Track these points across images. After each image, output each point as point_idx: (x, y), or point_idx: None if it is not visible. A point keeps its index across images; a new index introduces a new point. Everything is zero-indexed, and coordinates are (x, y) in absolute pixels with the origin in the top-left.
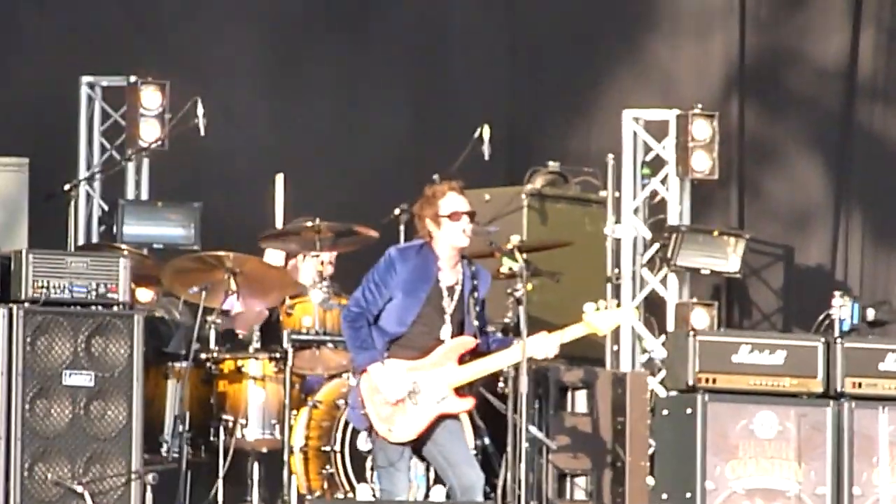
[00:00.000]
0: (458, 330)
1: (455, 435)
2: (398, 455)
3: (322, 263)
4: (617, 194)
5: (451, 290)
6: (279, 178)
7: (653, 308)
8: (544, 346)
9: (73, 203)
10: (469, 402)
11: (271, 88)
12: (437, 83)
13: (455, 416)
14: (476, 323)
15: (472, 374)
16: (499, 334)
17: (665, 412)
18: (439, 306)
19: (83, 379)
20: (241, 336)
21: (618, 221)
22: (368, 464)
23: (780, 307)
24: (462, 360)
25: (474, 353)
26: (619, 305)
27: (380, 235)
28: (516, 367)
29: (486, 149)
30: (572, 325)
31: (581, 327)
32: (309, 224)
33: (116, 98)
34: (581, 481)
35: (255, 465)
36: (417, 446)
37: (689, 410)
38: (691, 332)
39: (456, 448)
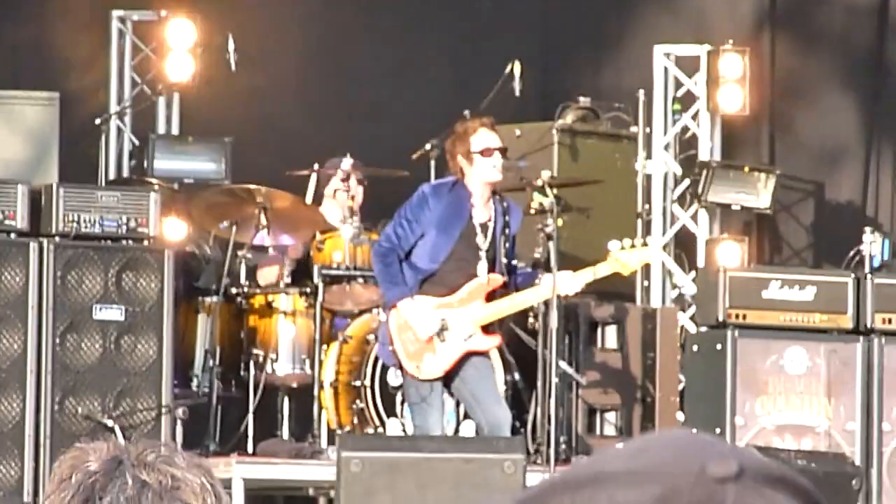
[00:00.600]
0: (490, 267)
1: (483, 373)
2: (429, 390)
3: (352, 198)
4: (648, 130)
5: (484, 226)
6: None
7: (683, 244)
8: (570, 283)
9: (103, 138)
10: (496, 340)
11: (303, 25)
12: (468, 21)
13: (484, 354)
14: (505, 260)
15: (498, 311)
16: (528, 269)
17: (695, 348)
18: (473, 243)
19: (114, 313)
20: (264, 285)
21: (648, 157)
22: (398, 399)
23: (810, 243)
24: (490, 297)
25: (502, 290)
26: (645, 244)
27: (411, 171)
28: (546, 303)
29: (517, 85)
30: (599, 264)
31: (607, 265)
32: (342, 167)
33: (147, 32)
34: (611, 417)
35: (286, 400)
36: (446, 383)
37: (718, 346)
38: (721, 269)
39: (484, 386)
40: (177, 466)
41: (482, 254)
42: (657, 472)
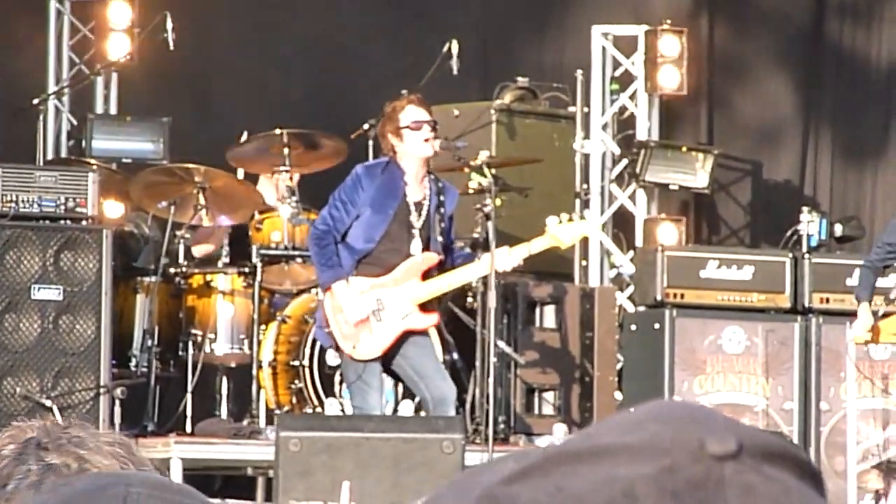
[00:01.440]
0: (424, 246)
1: (425, 349)
2: (366, 370)
3: (291, 178)
4: (586, 110)
5: (418, 205)
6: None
7: (621, 223)
8: (507, 259)
9: (41, 117)
10: (433, 318)
11: (240, 4)
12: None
13: (423, 332)
14: (441, 239)
15: (435, 289)
16: (466, 249)
17: (633, 327)
18: (407, 222)
19: (52, 293)
20: (198, 256)
21: (586, 137)
22: (337, 378)
23: (748, 223)
24: (426, 276)
25: (439, 269)
26: (582, 217)
27: (349, 152)
28: (485, 283)
29: (454, 64)
30: (536, 238)
31: (544, 240)
32: (277, 131)
33: (85, 12)
34: (549, 396)
35: (224, 380)
36: (386, 362)
37: (657, 325)
38: (659, 248)
39: (426, 361)
40: (87, 448)
41: (416, 232)
42: (655, 446)
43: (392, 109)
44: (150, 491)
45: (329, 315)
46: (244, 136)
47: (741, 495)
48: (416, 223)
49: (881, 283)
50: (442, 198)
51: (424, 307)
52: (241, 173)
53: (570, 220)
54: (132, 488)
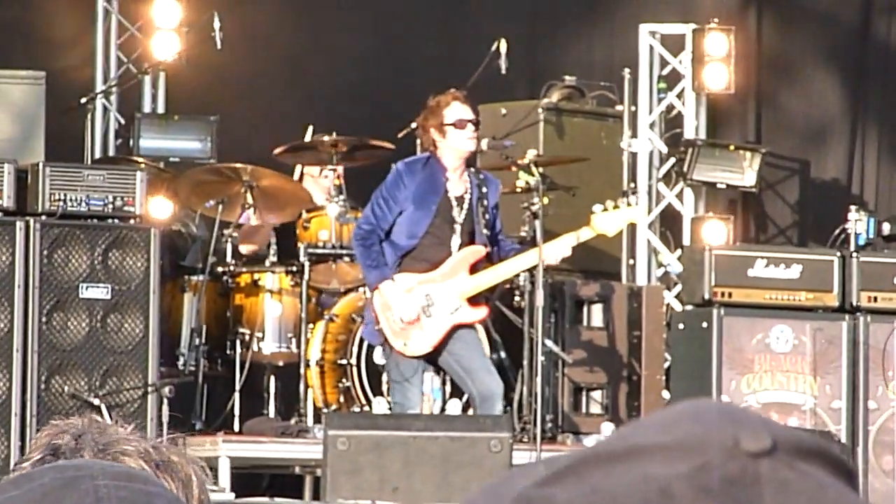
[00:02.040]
0: (469, 239)
1: (472, 344)
2: (412, 370)
3: (339, 177)
4: (633, 108)
5: (459, 199)
6: (309, 130)
7: (669, 222)
8: (555, 250)
9: (89, 116)
10: (483, 311)
11: (289, 2)
12: (452, 1)
13: (471, 326)
14: (486, 231)
15: (483, 282)
16: (517, 244)
17: (681, 326)
18: (449, 217)
19: (100, 292)
20: (245, 254)
21: (634, 136)
22: (384, 377)
23: (795, 221)
24: (474, 269)
25: (487, 261)
26: (629, 204)
27: (397, 149)
28: (532, 281)
29: (502, 63)
30: (582, 228)
31: (590, 229)
32: (326, 138)
33: (133, 11)
34: (597, 395)
35: (272, 379)
36: (434, 358)
37: (704, 324)
38: (707, 247)
39: (473, 356)
40: (118, 449)
41: (458, 227)
42: (690, 445)
43: (437, 105)
44: (116, 482)
45: (379, 313)
46: (309, 132)
47: (777, 492)
48: (459, 217)
49: None
50: (484, 189)
51: (473, 301)
52: (297, 173)
53: (616, 206)
54: (99, 481)
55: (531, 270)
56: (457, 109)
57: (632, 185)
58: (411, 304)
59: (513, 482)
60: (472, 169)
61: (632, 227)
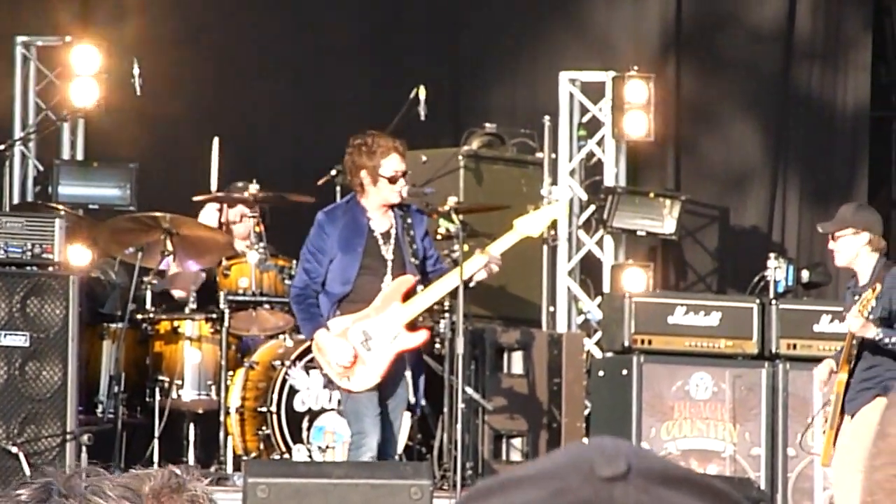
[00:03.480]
0: (400, 272)
1: (398, 408)
2: (364, 403)
3: (259, 224)
4: (553, 156)
5: (385, 235)
6: (215, 142)
7: (589, 270)
8: (481, 262)
9: (7, 163)
10: (423, 335)
11: (208, 52)
12: (378, 45)
13: (404, 388)
14: (415, 261)
15: (417, 308)
16: (445, 263)
17: (601, 373)
18: (378, 255)
19: (18, 339)
20: (177, 298)
21: (554, 183)
22: (304, 424)
23: (715, 268)
24: (406, 298)
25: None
26: (549, 203)
27: (316, 199)
28: (452, 329)
29: (422, 109)
30: (505, 234)
31: (513, 234)
32: (245, 194)
33: (52, 58)
34: (517, 442)
35: (191, 426)
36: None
37: (624, 371)
38: (627, 294)
39: (395, 419)
40: (105, 496)
41: (389, 263)
42: (551, 473)
43: (374, 150)
44: None
45: (319, 360)
46: (215, 144)
47: None
48: (387, 254)
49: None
50: (409, 221)
51: (411, 327)
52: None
53: (536, 208)
54: None
55: (452, 318)
56: (394, 162)
57: (552, 232)
58: (343, 348)
59: None
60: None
61: (552, 274)
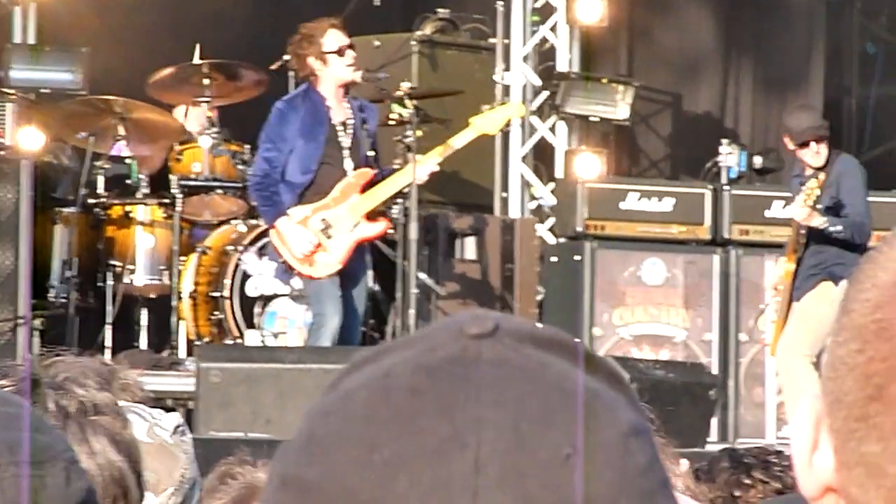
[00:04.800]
0: (357, 163)
1: (360, 296)
2: (326, 286)
3: (212, 109)
4: (506, 41)
5: (344, 125)
6: (197, 49)
7: (541, 155)
8: (435, 159)
9: None
10: (382, 225)
11: None
12: None
13: (365, 276)
14: (371, 153)
15: (377, 199)
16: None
17: (554, 259)
18: (337, 144)
19: None
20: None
21: (507, 68)
22: (257, 309)
23: (668, 154)
24: (364, 190)
25: (374, 183)
26: (503, 103)
27: (270, 84)
28: (406, 214)
29: None
30: (461, 132)
31: (469, 132)
32: (198, 62)
33: None
34: None
35: (144, 311)
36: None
37: (577, 257)
38: (580, 180)
39: (357, 306)
40: (83, 385)
41: (346, 152)
42: (423, 336)
43: (312, 33)
44: None
45: (280, 248)
46: (197, 51)
47: (495, 368)
48: (346, 143)
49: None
50: (364, 115)
51: (370, 217)
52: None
53: (492, 108)
54: None
55: (405, 204)
56: (336, 36)
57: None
58: (304, 236)
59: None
60: (350, 95)
61: (504, 160)
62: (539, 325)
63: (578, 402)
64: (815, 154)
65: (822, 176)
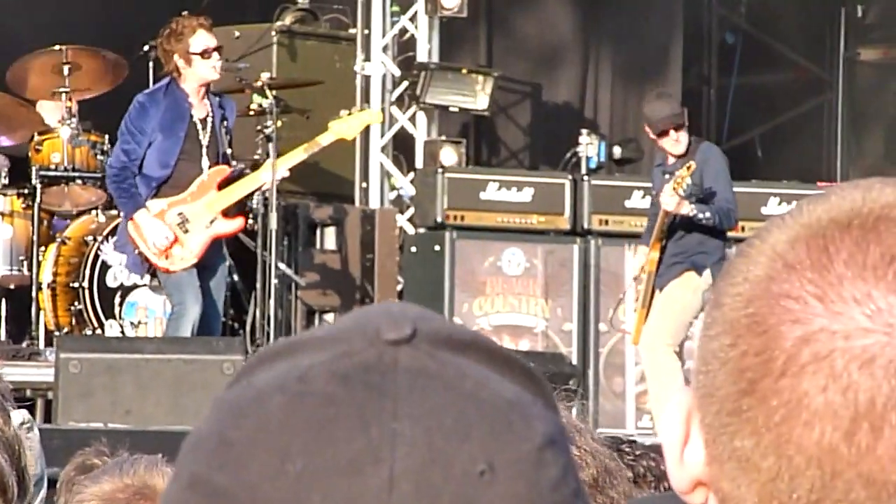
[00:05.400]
0: (215, 160)
1: (219, 288)
2: (184, 276)
3: (70, 100)
4: (366, 31)
5: (203, 122)
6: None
7: (401, 146)
8: (292, 158)
9: None
10: (239, 222)
11: None
12: None
13: (225, 267)
14: (229, 150)
15: (234, 196)
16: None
17: (413, 249)
18: (197, 140)
19: None
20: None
21: (367, 59)
22: (117, 300)
23: (527, 144)
24: (221, 186)
25: (231, 180)
26: (362, 109)
27: (130, 73)
28: (265, 205)
29: None
30: (320, 135)
31: (328, 135)
32: (57, 48)
33: None
34: (330, 318)
35: (3, 302)
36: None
37: (437, 247)
38: (440, 170)
39: (217, 298)
40: None
41: (204, 149)
42: (337, 336)
43: (181, 31)
44: None
45: (137, 240)
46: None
47: (412, 377)
48: (204, 140)
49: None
50: (224, 111)
51: (227, 214)
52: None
53: (350, 113)
54: None
55: (264, 194)
56: (202, 38)
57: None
58: (161, 229)
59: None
60: (211, 92)
61: (364, 150)
62: (455, 323)
63: (492, 415)
64: (675, 142)
65: (692, 164)
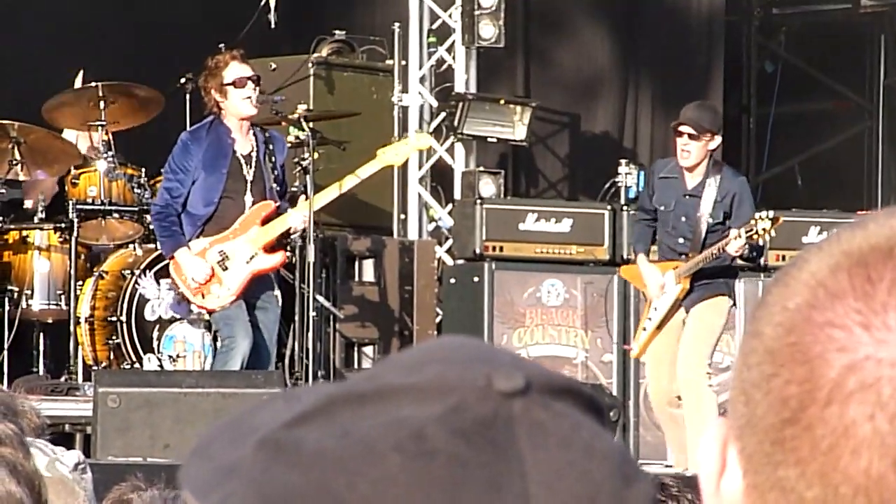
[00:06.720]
0: (260, 196)
1: (271, 322)
2: (233, 310)
3: (107, 133)
4: (403, 63)
5: (247, 158)
6: (80, 75)
7: (439, 177)
8: (335, 192)
9: None
10: (280, 256)
11: None
12: None
13: (276, 301)
14: (276, 187)
15: (274, 231)
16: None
17: (452, 280)
18: (241, 176)
19: None
20: (28, 208)
21: (404, 90)
22: (154, 334)
23: (566, 175)
24: (265, 222)
25: (276, 215)
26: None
27: (166, 106)
28: (303, 237)
29: (272, 17)
30: (369, 162)
31: (375, 163)
32: (93, 85)
33: None
34: (369, 350)
35: (41, 336)
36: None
37: (476, 279)
38: (478, 201)
39: (270, 335)
40: None
41: (248, 186)
42: (442, 386)
43: (215, 65)
44: None
45: (176, 279)
46: (79, 78)
47: (531, 432)
48: (248, 175)
49: None
50: (270, 146)
51: (269, 248)
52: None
53: (399, 140)
54: None
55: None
56: (235, 69)
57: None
58: (201, 266)
59: (255, 420)
60: (257, 127)
61: (402, 182)
62: (546, 369)
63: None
64: (683, 150)
65: (779, 219)
